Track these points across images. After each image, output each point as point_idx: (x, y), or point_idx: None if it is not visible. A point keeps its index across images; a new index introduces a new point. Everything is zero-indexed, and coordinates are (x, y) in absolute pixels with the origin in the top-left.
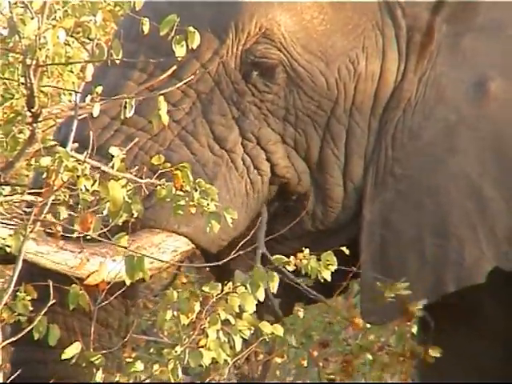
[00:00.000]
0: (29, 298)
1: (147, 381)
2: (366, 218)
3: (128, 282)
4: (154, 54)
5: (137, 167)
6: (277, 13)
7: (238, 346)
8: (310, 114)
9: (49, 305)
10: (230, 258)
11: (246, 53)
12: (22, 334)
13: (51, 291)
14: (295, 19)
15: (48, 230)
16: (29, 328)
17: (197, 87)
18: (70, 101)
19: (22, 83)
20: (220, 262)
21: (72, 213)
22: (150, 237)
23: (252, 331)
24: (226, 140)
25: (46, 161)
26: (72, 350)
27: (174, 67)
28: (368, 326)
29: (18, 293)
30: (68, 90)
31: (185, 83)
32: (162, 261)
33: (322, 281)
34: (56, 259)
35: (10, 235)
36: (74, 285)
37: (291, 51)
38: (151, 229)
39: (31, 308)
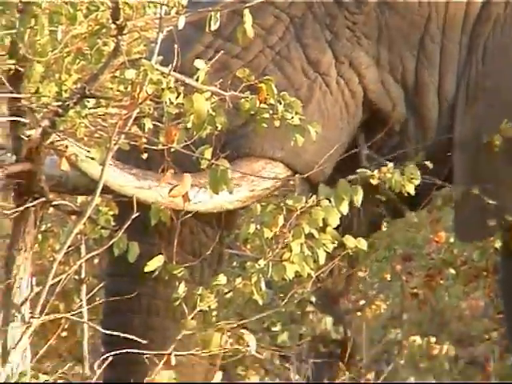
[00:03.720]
0: (111, 212)
1: (229, 294)
2: (458, 133)
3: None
4: None
5: (221, 80)
6: None
7: (322, 259)
8: (403, 33)
9: (132, 218)
10: (314, 170)
11: None
12: (103, 249)
13: (134, 207)
14: None
15: (132, 143)
16: (110, 243)
17: (289, 11)
18: (155, 13)
19: None
20: (304, 175)
21: (157, 123)
22: (250, 165)
23: (335, 245)
24: (319, 63)
25: (130, 74)
26: (154, 263)
27: None
28: (451, 240)
29: (100, 208)
30: (153, 3)
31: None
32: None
33: (406, 195)
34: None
35: (95, 148)
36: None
37: None
38: (250, 157)
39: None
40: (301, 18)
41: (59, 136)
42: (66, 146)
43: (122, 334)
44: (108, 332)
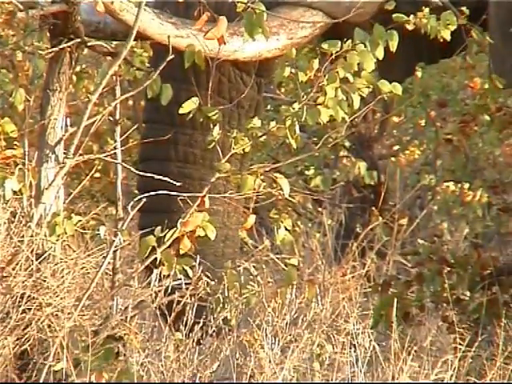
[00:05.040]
0: (146, 54)
1: (263, 137)
2: None
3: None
4: None
5: None
6: None
7: (356, 104)
8: None
9: (167, 62)
10: (353, 12)
11: None
12: (138, 90)
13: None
14: None
15: None
16: (144, 85)
17: None
18: None
19: None
20: (344, 18)
21: None
22: (289, 12)
23: (370, 89)
24: None
25: None
26: (189, 105)
27: None
28: (486, 86)
29: (135, 49)
30: None
31: None
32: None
33: (441, 40)
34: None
35: None
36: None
37: None
38: (289, 4)
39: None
40: None
41: None
42: None
43: (158, 177)
44: (144, 175)
